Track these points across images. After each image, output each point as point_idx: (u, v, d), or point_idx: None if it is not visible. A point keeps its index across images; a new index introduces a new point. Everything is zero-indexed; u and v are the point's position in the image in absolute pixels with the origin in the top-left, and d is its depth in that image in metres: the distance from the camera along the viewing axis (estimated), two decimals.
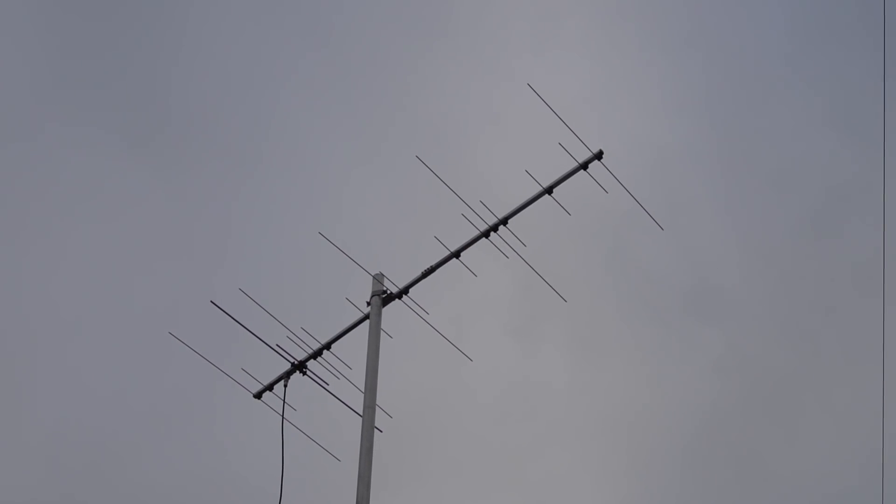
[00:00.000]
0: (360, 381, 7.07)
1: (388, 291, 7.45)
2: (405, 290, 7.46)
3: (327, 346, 7.59)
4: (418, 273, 7.46)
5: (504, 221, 7.41)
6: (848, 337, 17.79)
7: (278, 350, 7.55)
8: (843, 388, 17.37)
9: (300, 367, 7.59)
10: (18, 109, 17.14)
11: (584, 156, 7.30)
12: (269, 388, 7.66)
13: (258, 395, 7.69)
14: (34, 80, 17.36)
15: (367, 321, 7.35)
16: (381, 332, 7.27)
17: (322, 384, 7.58)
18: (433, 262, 7.46)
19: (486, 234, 7.42)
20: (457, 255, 7.45)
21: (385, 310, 7.41)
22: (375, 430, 6.75)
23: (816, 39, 19.32)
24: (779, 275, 18.21)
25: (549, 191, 7.38)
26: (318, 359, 7.60)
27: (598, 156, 7.29)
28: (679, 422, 16.85)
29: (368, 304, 7.43)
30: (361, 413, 6.84)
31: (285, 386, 7.56)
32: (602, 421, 16.77)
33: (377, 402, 6.91)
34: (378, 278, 7.49)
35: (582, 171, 7.32)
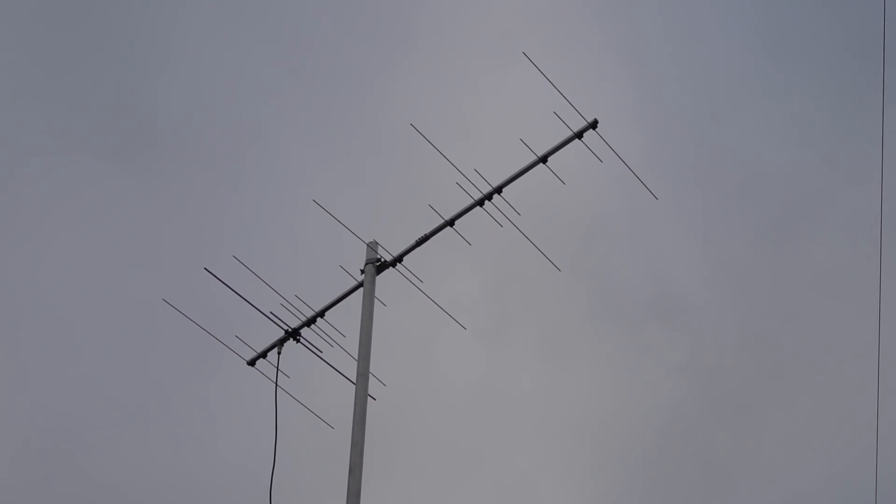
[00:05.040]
0: (354, 349, 7.09)
1: (382, 259, 7.45)
2: (399, 259, 7.46)
3: (321, 314, 7.59)
4: (412, 241, 7.46)
5: (498, 190, 7.39)
6: (807, 343, 18.01)
7: (272, 317, 7.56)
8: (802, 393, 17.63)
9: (294, 334, 7.59)
10: None
11: (578, 126, 7.28)
12: (263, 355, 7.66)
13: (252, 363, 7.70)
14: (11, 88, 17.40)
15: (361, 289, 7.35)
16: (375, 299, 7.28)
17: (315, 352, 7.59)
18: (427, 231, 7.46)
19: (480, 203, 7.41)
20: (451, 223, 7.44)
21: (379, 278, 7.41)
22: (369, 397, 6.78)
23: (781, 52, 19.46)
24: (741, 282, 18.48)
25: (543, 160, 7.36)
26: (312, 326, 7.60)
27: (593, 125, 7.26)
28: (642, 425, 17.07)
29: (362, 271, 7.43)
30: (355, 381, 6.85)
31: (279, 353, 7.56)
32: (566, 422, 16.96)
33: (370, 370, 6.94)
34: (372, 246, 7.48)
35: (577, 139, 7.31)
